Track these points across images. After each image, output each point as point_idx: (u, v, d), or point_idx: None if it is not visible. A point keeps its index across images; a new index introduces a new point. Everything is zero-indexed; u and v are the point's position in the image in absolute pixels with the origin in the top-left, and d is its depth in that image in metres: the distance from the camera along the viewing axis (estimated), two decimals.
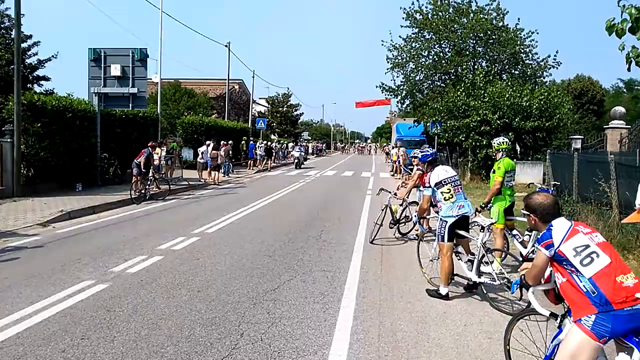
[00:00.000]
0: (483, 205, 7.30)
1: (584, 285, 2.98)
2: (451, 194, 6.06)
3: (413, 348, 4.58)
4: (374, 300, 5.90)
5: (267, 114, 53.69)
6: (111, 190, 15.81)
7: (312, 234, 9.87)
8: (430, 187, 6.29)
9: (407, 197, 9.81)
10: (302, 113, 62.26)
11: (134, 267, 7.13)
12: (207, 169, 21.06)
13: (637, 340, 2.87)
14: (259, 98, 57.29)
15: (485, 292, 5.90)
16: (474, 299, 6.05)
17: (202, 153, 21.51)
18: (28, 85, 25.57)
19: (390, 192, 9.91)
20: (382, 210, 9.73)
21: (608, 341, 2.93)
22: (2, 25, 26.08)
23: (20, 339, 4.53)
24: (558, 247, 3.13)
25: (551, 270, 3.35)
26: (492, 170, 7.56)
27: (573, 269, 3.05)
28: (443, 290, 5.96)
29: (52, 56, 28.07)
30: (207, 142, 21.78)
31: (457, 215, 6.02)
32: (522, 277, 3.54)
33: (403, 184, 10.40)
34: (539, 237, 3.32)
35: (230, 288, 6.20)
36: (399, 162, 24.10)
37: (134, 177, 15.03)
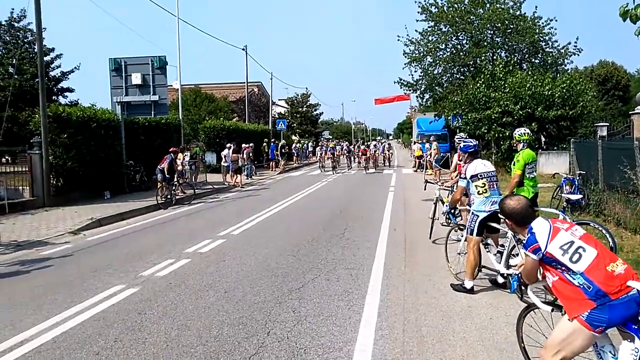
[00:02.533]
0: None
1: (578, 282, 2.98)
2: (485, 189, 5.99)
3: (438, 342, 4.60)
4: (398, 297, 5.93)
5: (287, 115, 53.92)
6: (138, 196, 16.16)
7: (335, 232, 9.93)
8: (465, 178, 6.20)
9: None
10: (322, 112, 62.36)
11: (162, 270, 7.31)
12: (230, 172, 21.33)
13: (636, 327, 2.86)
14: (278, 99, 57.57)
15: (509, 283, 5.86)
16: (500, 292, 6.02)
17: (225, 156, 21.80)
18: (53, 97, 26.40)
19: (437, 184, 9.81)
20: (434, 203, 9.51)
21: (604, 331, 2.93)
22: (25, 40, 26.91)
23: (56, 343, 4.72)
24: (545, 249, 3.15)
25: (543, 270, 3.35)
26: (513, 162, 7.51)
27: (564, 268, 3.06)
28: (468, 284, 5.95)
29: (75, 68, 28.94)
30: (228, 145, 22.04)
31: (489, 211, 5.94)
32: (519, 275, 3.55)
33: (434, 181, 10.36)
34: (524, 242, 3.32)
35: (256, 288, 6.32)
36: (429, 157, 23.89)
37: (159, 183, 15.33)
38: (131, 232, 10.95)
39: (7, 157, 22.59)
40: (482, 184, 6.02)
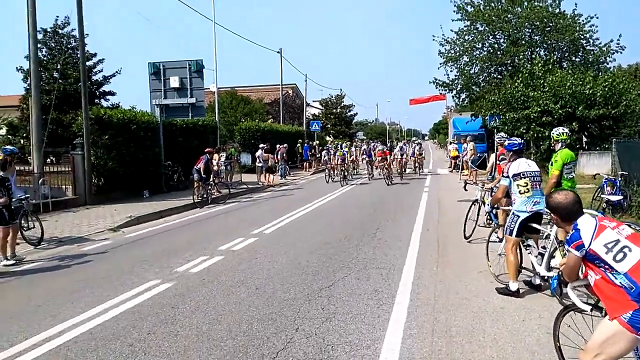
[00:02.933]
0: None
1: (620, 282, 2.88)
2: (527, 189, 5.83)
3: (467, 343, 4.53)
4: (429, 297, 5.87)
5: (321, 116, 54.13)
6: (176, 196, 16.55)
7: (367, 232, 9.91)
8: (507, 177, 6.02)
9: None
10: (356, 113, 62.32)
11: (196, 267, 7.48)
12: (262, 172, 21.59)
13: None
14: (313, 101, 57.87)
15: (545, 285, 5.72)
16: (534, 295, 5.87)
17: (259, 157, 22.07)
18: (95, 100, 27.34)
19: (478, 185, 9.62)
20: (472, 204, 9.43)
21: None
22: (69, 46, 27.99)
23: (92, 334, 4.89)
24: (589, 246, 3.05)
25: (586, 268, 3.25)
26: (550, 162, 7.32)
27: (607, 266, 2.96)
28: (513, 286, 5.78)
29: (116, 72, 29.90)
30: (261, 146, 22.30)
31: (530, 212, 5.79)
32: (560, 273, 3.46)
33: (472, 182, 10.18)
34: (567, 238, 3.24)
35: (286, 285, 6.37)
36: (465, 157, 23.46)
37: (195, 183, 15.65)
38: (168, 229, 11.22)
39: (51, 158, 23.58)
40: (525, 183, 5.85)
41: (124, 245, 9.56)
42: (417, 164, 26.65)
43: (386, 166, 21.39)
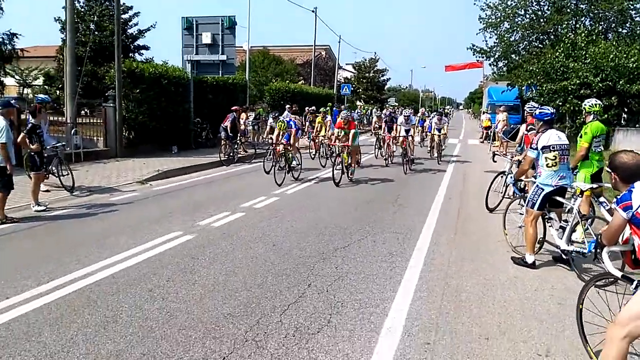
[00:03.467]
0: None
1: None
2: (555, 162, 5.66)
3: (476, 308, 4.59)
4: (443, 262, 5.91)
5: (353, 80, 53.37)
6: (203, 153, 16.79)
7: (389, 198, 9.93)
8: (535, 149, 5.83)
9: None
10: (389, 78, 61.01)
11: (218, 221, 7.67)
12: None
13: None
14: (346, 64, 57.00)
15: (573, 261, 5.64)
16: (551, 266, 5.85)
17: (284, 118, 22.01)
18: (130, 54, 27.54)
19: (507, 157, 9.37)
20: (499, 175, 9.19)
21: None
22: None
23: (114, 279, 5.13)
24: (636, 209, 3.00)
25: (630, 232, 3.21)
26: (579, 134, 7.11)
27: None
28: (529, 259, 5.76)
29: (151, 26, 29.93)
30: (287, 107, 22.25)
31: (555, 186, 5.67)
32: (599, 236, 3.42)
33: (501, 153, 9.94)
34: (618, 198, 3.18)
35: (302, 244, 6.50)
36: (498, 128, 22.93)
37: (222, 141, 15.82)
38: (193, 185, 11.47)
39: (85, 110, 24.15)
40: (553, 156, 5.65)
41: (150, 197, 9.84)
42: (433, 146, 17.58)
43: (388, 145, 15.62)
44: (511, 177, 7.05)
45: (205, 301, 4.59)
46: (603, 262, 3.52)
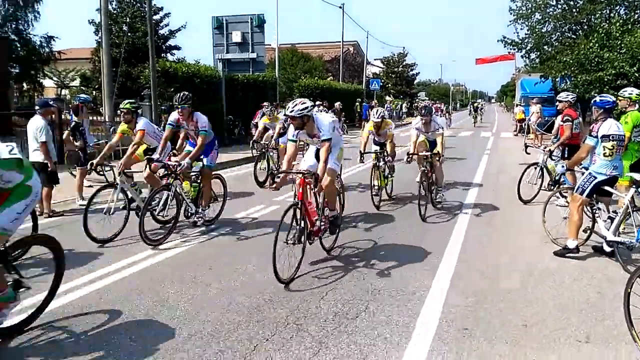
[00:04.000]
0: None
1: None
2: (612, 152, 5.56)
3: (514, 296, 4.60)
4: (479, 251, 5.95)
5: (382, 75, 53.14)
6: (237, 149, 17.03)
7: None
8: (596, 137, 5.68)
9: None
10: (419, 73, 60.43)
11: (254, 213, 7.89)
12: None
13: None
14: (374, 59, 56.76)
15: (619, 252, 5.56)
16: (591, 257, 5.77)
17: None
18: (162, 54, 28.11)
19: (539, 148, 9.16)
20: (532, 167, 8.96)
21: None
22: None
23: (159, 267, 5.38)
24: None
25: None
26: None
27: None
28: (571, 244, 5.68)
29: (182, 26, 30.42)
30: (317, 103, 22.36)
31: (608, 175, 5.60)
32: None
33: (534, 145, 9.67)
34: None
35: (339, 235, 6.60)
36: (532, 120, 22.49)
37: (253, 137, 16.02)
38: (229, 179, 11.68)
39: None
40: (612, 146, 5.54)
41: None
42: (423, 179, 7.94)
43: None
44: (563, 167, 6.83)
45: (246, 287, 4.76)
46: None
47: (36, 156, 7.76)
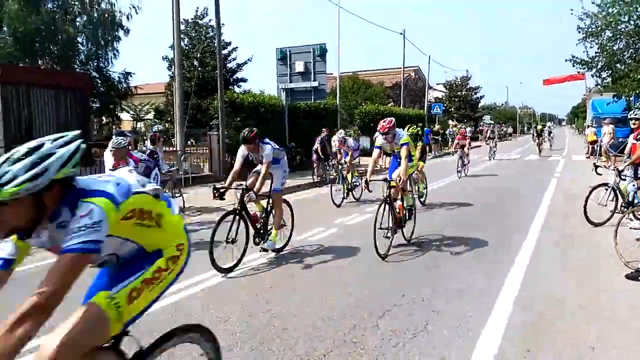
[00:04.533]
0: None
1: None
2: None
3: (580, 319, 4.42)
4: (545, 273, 5.75)
5: (445, 99, 52.56)
6: (299, 175, 17.43)
7: (487, 213, 9.79)
8: None
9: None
10: (483, 96, 59.24)
11: (313, 236, 8.06)
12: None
13: None
14: (437, 84, 56.32)
15: None
16: None
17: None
18: (230, 86, 29.48)
19: (608, 167, 8.83)
20: (606, 189, 8.53)
21: None
22: (207, 35, 30.45)
23: (224, 284, 5.62)
24: None
25: None
26: None
27: None
28: None
29: (248, 60, 31.82)
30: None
31: None
32: None
33: (607, 165, 9.27)
34: None
35: (397, 257, 6.61)
36: (604, 142, 21.41)
37: (314, 163, 16.37)
38: (293, 204, 11.97)
39: (191, 141, 26.14)
40: None
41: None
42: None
43: None
44: (634, 185, 6.53)
45: (304, 306, 4.87)
46: None
47: None
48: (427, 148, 29.88)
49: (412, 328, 4.27)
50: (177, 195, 10.93)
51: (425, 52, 56.84)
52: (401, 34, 34.89)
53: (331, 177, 16.50)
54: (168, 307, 4.95)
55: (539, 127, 32.62)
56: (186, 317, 4.64)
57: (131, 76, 27.69)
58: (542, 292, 5.11)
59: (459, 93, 54.48)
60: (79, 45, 25.22)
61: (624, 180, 8.21)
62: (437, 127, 31.12)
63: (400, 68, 36.96)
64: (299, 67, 18.75)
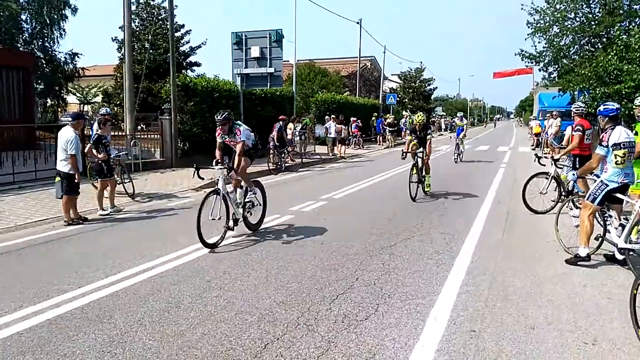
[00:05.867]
0: None
1: None
2: (624, 160, 5.57)
3: (523, 302, 4.65)
4: (490, 260, 5.97)
5: (399, 90, 53.27)
6: (253, 162, 17.28)
7: (435, 201, 10.00)
8: (606, 146, 5.71)
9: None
10: (436, 87, 60.39)
11: (268, 223, 8.00)
12: (335, 143, 21.90)
13: None
14: (391, 74, 57.02)
15: (630, 259, 5.55)
16: (603, 265, 5.79)
17: (329, 127, 22.29)
18: (183, 71, 28.77)
19: (548, 157, 9.24)
20: (546, 178, 8.95)
21: None
22: (159, 17, 29.52)
23: (176, 271, 5.53)
24: None
25: None
26: (635, 131, 6.96)
27: None
28: (582, 252, 5.71)
29: (202, 43, 31.14)
30: (333, 116, 22.57)
31: (620, 183, 5.61)
32: None
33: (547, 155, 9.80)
34: None
35: (350, 243, 6.71)
36: (547, 135, 22.41)
37: (270, 150, 16.29)
38: None
39: (141, 125, 25.39)
40: (623, 154, 5.54)
41: None
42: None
43: None
44: (573, 174, 6.87)
45: (259, 291, 4.89)
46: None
47: (63, 166, 8.08)
48: (380, 138, 30.37)
49: (364, 311, 4.38)
50: (126, 181, 10.62)
51: (381, 43, 57.26)
52: (358, 23, 35.00)
53: (287, 164, 16.52)
54: (118, 292, 4.85)
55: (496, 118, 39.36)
56: (136, 302, 4.57)
57: (78, 57, 26.56)
58: (487, 278, 5.33)
59: (413, 84, 55.34)
60: (23, 23, 23.91)
61: (560, 168, 8.71)
62: (390, 117, 31.47)
63: (357, 57, 37.14)
64: (255, 52, 18.47)
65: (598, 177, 5.91)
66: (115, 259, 5.99)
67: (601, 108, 6.08)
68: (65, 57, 25.89)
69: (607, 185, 5.64)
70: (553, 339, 3.89)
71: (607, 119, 5.91)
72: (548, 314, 4.34)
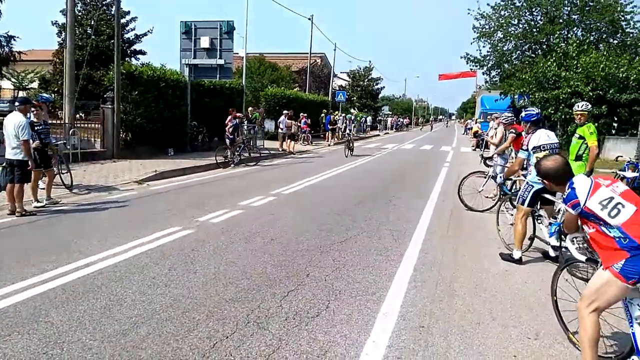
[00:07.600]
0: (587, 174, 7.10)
1: (614, 234, 3.08)
2: None
3: (469, 297, 4.76)
4: (436, 257, 6.09)
5: (348, 88, 53.76)
6: (199, 155, 16.91)
7: (382, 199, 10.12)
8: (527, 150, 6.01)
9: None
10: (383, 87, 61.60)
11: (216, 218, 7.82)
12: (285, 138, 21.79)
13: None
14: (341, 72, 57.43)
15: (563, 256, 5.81)
16: (542, 262, 6.04)
17: (280, 122, 22.20)
18: (127, 59, 27.71)
19: (492, 158, 9.68)
20: (484, 177, 9.46)
21: (637, 283, 2.99)
22: (104, 2, 28.27)
23: (117, 268, 5.26)
24: (584, 204, 3.21)
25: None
26: (578, 135, 7.28)
27: (602, 222, 3.13)
28: (516, 254, 5.93)
29: (148, 31, 30.16)
30: (285, 112, 22.45)
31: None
32: (561, 223, 3.65)
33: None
34: (564, 197, 3.38)
35: (300, 238, 6.66)
36: (488, 136, 23.21)
37: (227, 143, 15.95)
38: (190, 185, 11.60)
39: (81, 114, 24.23)
40: (543, 156, 5.86)
41: (148, 196, 9.96)
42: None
43: None
44: (500, 177, 7.26)
45: (207, 288, 4.74)
46: (568, 249, 3.78)
47: (15, 154, 7.68)
48: (329, 134, 30.49)
49: (315, 308, 4.34)
50: (64, 171, 10.07)
51: (332, 40, 57.52)
52: (309, 19, 34.95)
53: (236, 160, 16.23)
54: (55, 289, 4.56)
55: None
56: (74, 300, 4.31)
57: (15, 40, 24.98)
58: (434, 274, 5.43)
59: (362, 83, 56.01)
60: None
61: (490, 166, 9.23)
62: (336, 115, 31.62)
63: (307, 53, 37.10)
64: (205, 42, 18.00)
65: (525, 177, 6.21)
66: (51, 255, 5.64)
67: (523, 114, 6.47)
68: (0, 40, 24.29)
69: (533, 187, 5.89)
70: (498, 333, 4.00)
71: (529, 123, 6.29)
72: (493, 310, 4.47)
